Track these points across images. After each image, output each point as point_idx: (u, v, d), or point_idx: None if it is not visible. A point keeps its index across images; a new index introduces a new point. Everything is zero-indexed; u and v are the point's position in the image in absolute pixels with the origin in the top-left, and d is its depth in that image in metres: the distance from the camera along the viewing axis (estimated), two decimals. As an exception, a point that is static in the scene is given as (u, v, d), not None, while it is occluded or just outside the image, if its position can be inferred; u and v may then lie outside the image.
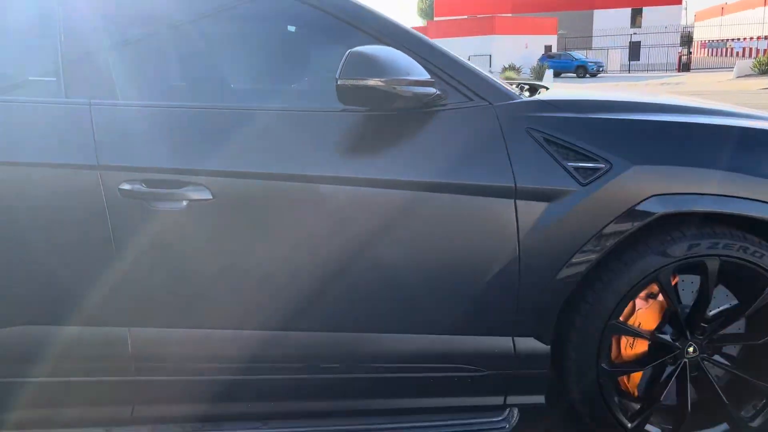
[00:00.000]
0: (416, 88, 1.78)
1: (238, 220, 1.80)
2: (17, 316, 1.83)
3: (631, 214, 1.84)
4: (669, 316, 2.01)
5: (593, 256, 1.86)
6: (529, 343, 1.93)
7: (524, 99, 1.95)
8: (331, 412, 1.98)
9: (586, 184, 1.83)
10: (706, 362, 2.02)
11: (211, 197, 1.78)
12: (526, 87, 2.51)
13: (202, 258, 1.84)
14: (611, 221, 1.84)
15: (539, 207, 1.84)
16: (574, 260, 1.86)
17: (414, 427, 1.98)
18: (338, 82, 1.69)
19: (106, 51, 1.90)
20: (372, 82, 1.70)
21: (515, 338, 1.93)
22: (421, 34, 1.95)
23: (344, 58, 1.70)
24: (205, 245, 1.83)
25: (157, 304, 1.85)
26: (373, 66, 1.70)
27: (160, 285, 1.84)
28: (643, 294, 1.99)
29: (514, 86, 2.28)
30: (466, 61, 1.96)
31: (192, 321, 1.87)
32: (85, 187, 1.78)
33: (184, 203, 1.78)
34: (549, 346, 1.94)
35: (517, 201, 1.83)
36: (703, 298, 1.97)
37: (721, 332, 2.01)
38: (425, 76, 1.80)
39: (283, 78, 2.15)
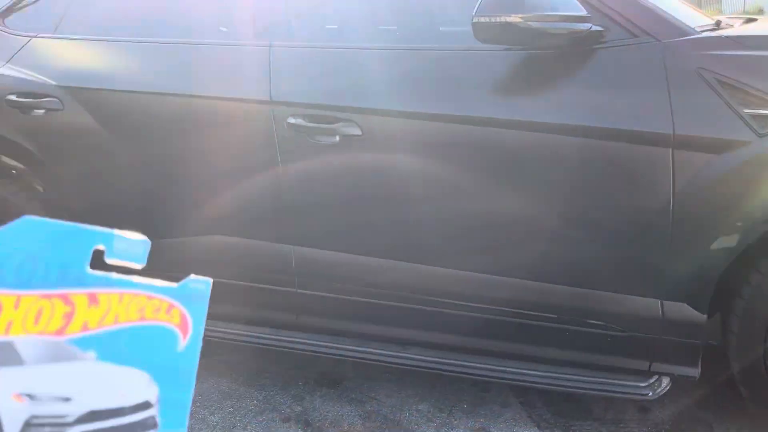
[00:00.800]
0: (566, 24, 1.67)
1: (384, 155, 1.90)
2: (210, 227, 2.17)
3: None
4: None
5: (764, 221, 1.61)
6: (681, 310, 1.75)
7: (700, 35, 1.71)
8: (471, 349, 2.02)
9: (765, 135, 1.57)
10: None
11: (360, 133, 1.90)
12: (733, 21, 2.17)
13: (351, 188, 1.98)
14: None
15: (701, 159, 1.63)
16: (740, 224, 1.63)
17: (553, 377, 1.94)
18: (474, 20, 1.66)
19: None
20: (512, 18, 1.64)
21: (663, 302, 1.76)
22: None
23: None
24: (355, 177, 1.96)
25: (314, 227, 2.05)
26: (514, 1, 1.64)
27: (316, 210, 2.03)
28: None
29: (713, 19, 1.99)
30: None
31: (343, 245, 2.03)
32: (260, 119, 2.01)
33: (337, 138, 1.93)
34: (705, 316, 1.74)
35: (675, 151, 1.64)
36: None
37: None
38: (579, 10, 1.68)
39: (432, 20, 2.14)
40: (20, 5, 2.48)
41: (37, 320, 0.46)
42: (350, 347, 2.11)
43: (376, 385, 2.26)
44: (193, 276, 0.50)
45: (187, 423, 0.48)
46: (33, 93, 2.24)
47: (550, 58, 1.75)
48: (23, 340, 0.46)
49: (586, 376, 1.90)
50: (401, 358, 2.05)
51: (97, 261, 0.48)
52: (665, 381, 1.86)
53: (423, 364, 2.04)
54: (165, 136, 2.12)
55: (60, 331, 0.46)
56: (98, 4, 2.38)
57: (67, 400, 0.45)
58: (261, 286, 2.15)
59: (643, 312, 1.78)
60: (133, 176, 2.19)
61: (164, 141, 2.12)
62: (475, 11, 1.66)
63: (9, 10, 2.49)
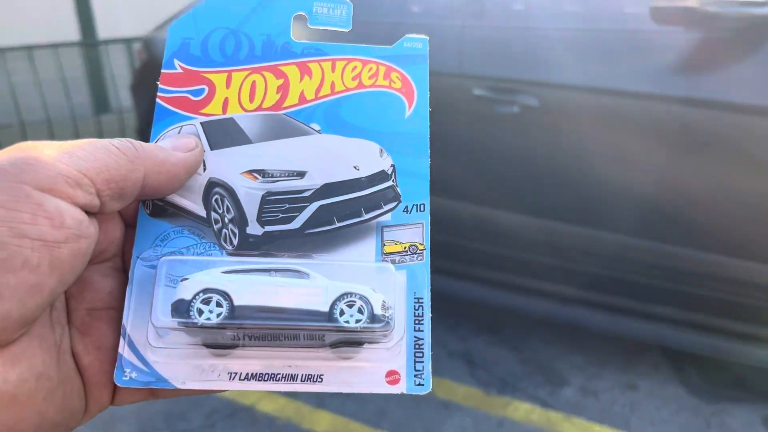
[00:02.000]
0: (743, 9, 1.78)
1: (559, 126, 2.11)
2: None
3: None
4: None
5: None
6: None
7: None
8: (632, 311, 2.16)
9: None
10: None
11: (537, 104, 2.13)
12: None
13: (529, 156, 2.21)
14: None
15: None
16: None
17: (701, 341, 2.05)
18: (652, 4, 1.82)
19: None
20: (690, 3, 1.78)
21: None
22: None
23: None
24: (532, 145, 2.20)
25: (496, 190, 2.31)
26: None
27: (496, 174, 2.29)
28: None
29: None
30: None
31: (518, 206, 2.28)
32: (450, 90, 2.31)
33: (516, 108, 2.17)
34: None
35: None
36: None
37: None
38: (761, -4, 1.78)
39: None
40: None
41: (252, 96, 0.45)
42: (519, 299, 2.35)
43: (534, 335, 2.49)
44: (408, 35, 0.47)
45: (428, 195, 0.45)
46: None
47: (727, 40, 1.86)
48: (244, 117, 0.45)
49: (744, 346, 1.99)
50: (563, 312, 2.26)
51: (300, 28, 0.47)
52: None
53: (582, 320, 2.24)
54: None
55: (278, 105, 0.45)
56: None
57: (300, 174, 0.44)
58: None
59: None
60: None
61: None
62: (653, -2, 1.82)
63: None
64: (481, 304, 2.44)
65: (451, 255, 2.45)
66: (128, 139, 0.39)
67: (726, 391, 2.12)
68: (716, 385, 2.16)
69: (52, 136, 5.34)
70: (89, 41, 6.86)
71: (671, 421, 1.99)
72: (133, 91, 3.50)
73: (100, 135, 5.47)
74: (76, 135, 5.40)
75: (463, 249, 2.41)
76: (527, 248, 2.27)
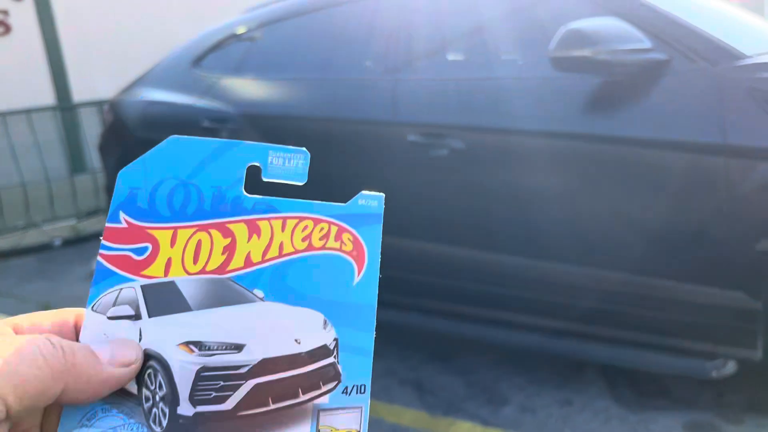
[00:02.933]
0: (633, 55, 2.03)
1: (482, 166, 2.34)
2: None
3: None
4: None
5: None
6: (738, 297, 2.01)
7: (750, 60, 1.99)
8: (563, 331, 2.36)
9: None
10: None
11: (464, 147, 2.35)
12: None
13: (458, 194, 2.43)
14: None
15: (751, 166, 1.91)
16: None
17: (626, 355, 2.23)
18: (552, 54, 2.07)
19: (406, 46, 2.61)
20: (585, 52, 2.03)
21: (723, 290, 2.02)
22: (649, 2, 2.14)
23: (560, 33, 2.05)
24: (461, 185, 2.41)
25: (436, 225, 2.52)
26: (587, 38, 2.02)
27: (434, 210, 2.50)
28: None
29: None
30: (693, 24, 2.08)
31: (449, 240, 2.48)
32: (386, 136, 2.53)
33: (446, 151, 2.39)
34: (760, 302, 1.98)
35: (729, 160, 1.93)
36: None
37: None
38: (644, 43, 2.03)
39: (520, 50, 2.52)
40: (211, 52, 3.21)
41: (196, 257, 0.42)
42: (466, 327, 2.53)
43: (481, 360, 2.66)
44: (364, 191, 0.44)
45: (371, 372, 0.42)
46: (219, 119, 2.93)
47: (620, 83, 2.11)
48: (186, 282, 0.41)
49: (658, 356, 2.18)
50: (508, 337, 2.44)
51: (253, 181, 0.45)
52: (730, 364, 2.10)
53: (522, 343, 2.42)
54: (317, 152, 2.70)
55: (222, 268, 0.42)
56: (267, 50, 3.04)
57: (238, 348, 0.41)
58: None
59: (707, 300, 2.05)
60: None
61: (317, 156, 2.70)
62: (553, 46, 2.07)
63: (203, 56, 3.24)
64: (432, 333, 2.62)
65: (401, 289, 2.63)
66: (65, 343, 0.37)
67: (651, 400, 2.30)
68: (642, 395, 2.33)
69: (26, 196, 5.49)
70: (65, 105, 7.08)
71: (599, 430, 2.15)
72: (101, 151, 3.70)
73: (75, 194, 5.64)
74: (51, 195, 5.57)
75: (410, 282, 2.60)
76: (468, 278, 2.46)
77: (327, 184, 2.74)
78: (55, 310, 0.41)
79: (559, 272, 2.28)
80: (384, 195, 0.44)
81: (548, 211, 2.24)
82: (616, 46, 2.02)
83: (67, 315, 0.41)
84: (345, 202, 0.44)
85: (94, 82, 8.07)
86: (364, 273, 0.43)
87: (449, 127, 2.38)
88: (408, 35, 2.61)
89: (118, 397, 0.40)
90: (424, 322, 2.58)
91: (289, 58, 2.95)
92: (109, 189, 3.55)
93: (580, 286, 2.24)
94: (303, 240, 0.43)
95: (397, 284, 2.60)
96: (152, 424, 0.40)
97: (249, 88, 2.99)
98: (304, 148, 0.44)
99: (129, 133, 3.36)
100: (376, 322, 0.42)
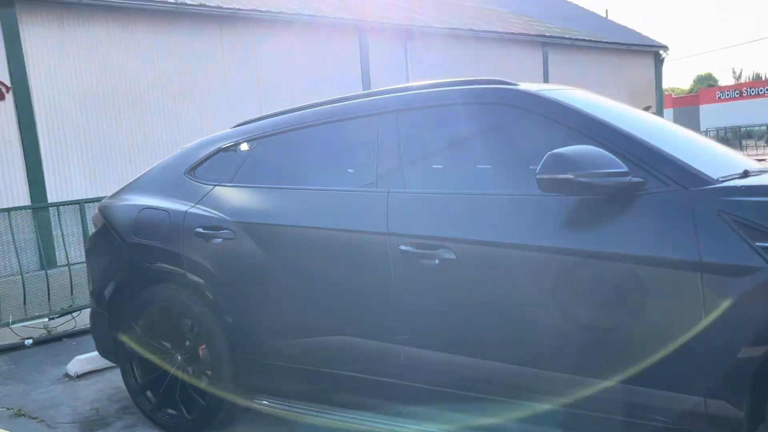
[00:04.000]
0: (610, 179, 2.21)
1: (472, 275, 2.45)
2: (342, 330, 2.78)
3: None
4: None
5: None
6: (721, 406, 2.10)
7: (719, 185, 2.18)
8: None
9: (774, 263, 1.99)
10: None
11: (454, 257, 2.47)
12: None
13: (450, 303, 2.53)
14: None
15: (725, 281, 2.06)
16: (759, 336, 2.01)
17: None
18: (537, 176, 2.24)
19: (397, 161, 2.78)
20: (567, 175, 2.20)
21: (707, 399, 2.12)
22: (625, 130, 2.36)
23: (545, 158, 2.23)
24: (452, 293, 2.52)
25: (424, 334, 2.60)
26: (569, 163, 2.20)
27: (417, 319, 2.59)
28: None
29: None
30: (666, 151, 2.29)
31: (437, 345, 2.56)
32: (379, 246, 2.65)
33: (437, 261, 2.51)
34: (742, 412, 2.08)
35: (703, 275, 2.08)
36: None
37: None
38: (620, 167, 2.21)
39: (505, 167, 2.71)
40: (206, 161, 3.35)
41: None
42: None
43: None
44: None
45: None
46: (214, 226, 3.03)
47: (600, 202, 2.28)
48: None
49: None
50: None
51: None
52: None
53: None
54: (310, 259, 2.81)
55: None
56: (263, 162, 3.19)
57: None
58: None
59: (688, 408, 2.14)
60: (284, 291, 2.88)
61: (309, 263, 2.81)
62: (538, 170, 2.25)
63: (197, 165, 3.37)
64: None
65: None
66: None
67: None
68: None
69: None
70: (39, 205, 7.12)
71: None
72: (88, 254, 3.73)
73: (48, 292, 5.57)
74: (24, 293, 5.50)
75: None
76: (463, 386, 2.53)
77: (320, 294, 2.82)
78: None
79: (545, 379, 2.37)
80: None
81: (536, 319, 2.35)
82: (595, 170, 2.20)
83: None
84: None
85: (70, 183, 8.20)
86: None
87: (440, 239, 2.51)
88: (402, 148, 2.78)
89: None
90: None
91: (285, 169, 3.09)
92: (95, 293, 3.56)
93: (569, 394, 2.32)
94: None
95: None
96: None
97: (243, 198, 3.10)
98: None
99: (120, 237, 3.42)
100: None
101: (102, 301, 3.50)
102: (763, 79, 44.90)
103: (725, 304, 2.06)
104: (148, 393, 3.39)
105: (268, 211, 2.99)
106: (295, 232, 2.88)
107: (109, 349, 3.57)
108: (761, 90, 33.06)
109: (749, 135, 29.44)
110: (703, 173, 2.23)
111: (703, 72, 66.43)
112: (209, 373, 3.13)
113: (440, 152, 2.83)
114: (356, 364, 2.75)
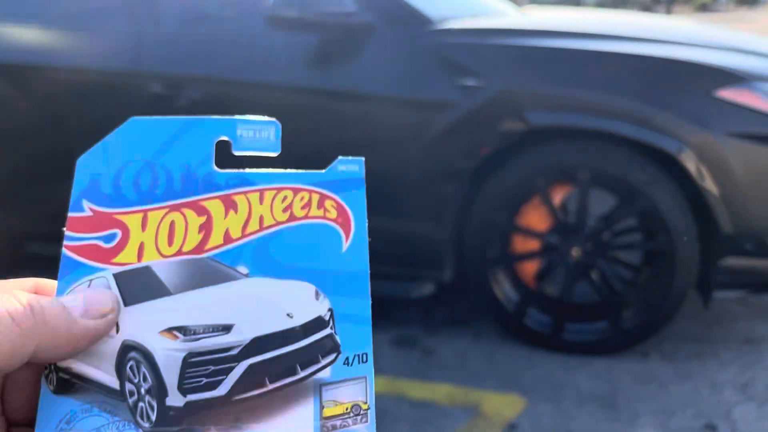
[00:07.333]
0: (337, 18, 2.29)
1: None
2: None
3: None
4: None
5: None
6: (428, 228, 2.38)
7: (438, 26, 2.33)
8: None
9: (469, 98, 2.21)
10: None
11: (201, 98, 2.52)
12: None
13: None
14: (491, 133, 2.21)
15: (433, 117, 2.26)
16: (455, 168, 2.27)
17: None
18: (268, 14, 2.28)
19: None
20: (295, 13, 2.26)
21: (417, 222, 2.39)
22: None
23: None
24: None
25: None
26: (298, 1, 2.25)
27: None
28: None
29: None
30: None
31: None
32: (128, 88, 2.62)
33: (184, 102, 2.54)
34: (446, 232, 2.37)
35: (417, 111, 2.27)
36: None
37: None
38: (348, 7, 2.29)
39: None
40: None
41: (171, 239, 0.40)
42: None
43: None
44: (341, 157, 0.43)
45: (371, 339, 0.40)
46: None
47: (328, 41, 2.37)
48: (162, 265, 0.39)
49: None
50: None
51: (224, 156, 0.43)
52: (429, 285, 2.48)
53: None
54: (56, 97, 2.72)
55: (200, 248, 0.40)
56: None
57: (227, 329, 0.39)
58: None
59: (406, 231, 2.41)
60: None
61: (53, 103, 2.73)
62: (269, 7, 2.28)
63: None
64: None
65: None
66: (32, 299, 0.34)
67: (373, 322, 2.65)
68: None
69: None
70: None
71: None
72: None
73: None
74: None
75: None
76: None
77: (67, 134, 2.77)
78: (14, 280, 0.38)
79: None
80: (364, 158, 0.43)
81: None
82: (323, 9, 2.27)
83: (26, 283, 0.38)
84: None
85: None
86: (352, 239, 0.42)
87: (187, 79, 2.53)
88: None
89: (99, 394, 0.37)
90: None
91: (37, 6, 2.89)
92: None
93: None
94: (284, 211, 0.41)
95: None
96: (140, 420, 0.37)
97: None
98: (274, 119, 0.43)
99: None
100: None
101: None
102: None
103: (432, 138, 2.28)
104: None
105: (19, 50, 2.82)
106: (41, 71, 2.75)
107: None
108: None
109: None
110: (425, 16, 2.36)
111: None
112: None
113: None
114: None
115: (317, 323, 0.40)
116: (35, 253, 2.66)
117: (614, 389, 2.13)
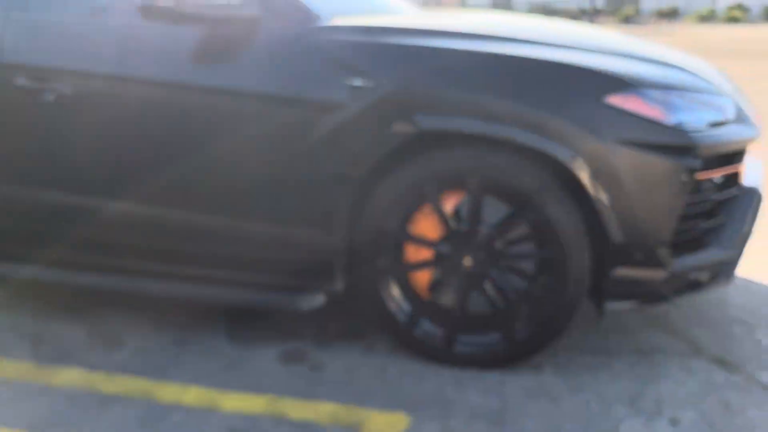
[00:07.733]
0: (217, 10, 2.12)
1: (89, 111, 2.31)
2: None
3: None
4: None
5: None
6: (315, 234, 2.24)
7: (327, 24, 2.20)
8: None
9: (357, 100, 2.08)
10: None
11: (71, 92, 2.30)
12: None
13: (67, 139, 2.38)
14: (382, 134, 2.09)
15: (318, 117, 2.12)
16: (344, 171, 2.14)
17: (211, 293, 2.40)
18: (139, 5, 2.10)
19: None
20: (169, 3, 2.08)
21: (302, 229, 2.25)
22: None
23: None
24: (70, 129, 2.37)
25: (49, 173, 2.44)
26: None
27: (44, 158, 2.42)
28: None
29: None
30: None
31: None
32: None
33: (52, 96, 2.32)
34: (335, 239, 2.24)
35: (303, 111, 2.13)
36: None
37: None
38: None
39: None
40: None
41: None
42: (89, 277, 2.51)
43: (108, 308, 2.68)
44: None
45: None
46: None
47: (207, 34, 2.20)
48: None
49: (246, 292, 2.36)
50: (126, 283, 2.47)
51: None
52: (319, 296, 2.34)
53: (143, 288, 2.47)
54: None
55: None
56: None
57: None
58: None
59: (291, 238, 2.26)
60: None
61: None
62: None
63: None
64: (54, 284, 2.55)
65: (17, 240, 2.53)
66: None
67: (260, 334, 2.50)
68: (254, 330, 2.53)
69: None
70: None
71: (200, 364, 2.30)
72: None
73: None
74: None
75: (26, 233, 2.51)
76: (79, 224, 2.44)
77: None
78: None
79: (145, 213, 2.35)
80: None
81: (136, 153, 2.29)
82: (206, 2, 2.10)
83: None
84: None
85: None
86: None
87: (56, 72, 2.31)
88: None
89: None
90: (45, 273, 2.52)
91: None
92: None
93: (174, 228, 2.34)
94: None
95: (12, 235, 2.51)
96: None
97: None
98: None
99: None
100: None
101: None
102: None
103: (318, 139, 2.14)
104: None
105: None
106: None
107: None
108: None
109: None
110: (312, 12, 2.23)
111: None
112: None
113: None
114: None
115: None
116: None
117: (504, 404, 2.05)
